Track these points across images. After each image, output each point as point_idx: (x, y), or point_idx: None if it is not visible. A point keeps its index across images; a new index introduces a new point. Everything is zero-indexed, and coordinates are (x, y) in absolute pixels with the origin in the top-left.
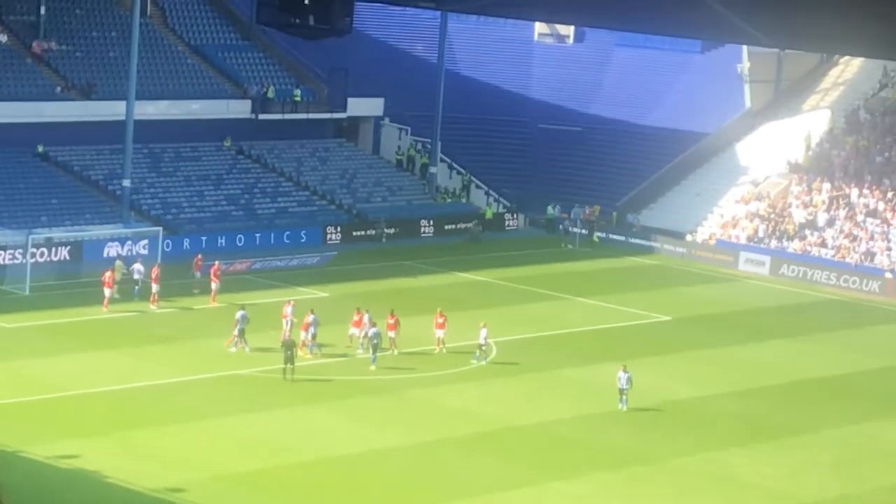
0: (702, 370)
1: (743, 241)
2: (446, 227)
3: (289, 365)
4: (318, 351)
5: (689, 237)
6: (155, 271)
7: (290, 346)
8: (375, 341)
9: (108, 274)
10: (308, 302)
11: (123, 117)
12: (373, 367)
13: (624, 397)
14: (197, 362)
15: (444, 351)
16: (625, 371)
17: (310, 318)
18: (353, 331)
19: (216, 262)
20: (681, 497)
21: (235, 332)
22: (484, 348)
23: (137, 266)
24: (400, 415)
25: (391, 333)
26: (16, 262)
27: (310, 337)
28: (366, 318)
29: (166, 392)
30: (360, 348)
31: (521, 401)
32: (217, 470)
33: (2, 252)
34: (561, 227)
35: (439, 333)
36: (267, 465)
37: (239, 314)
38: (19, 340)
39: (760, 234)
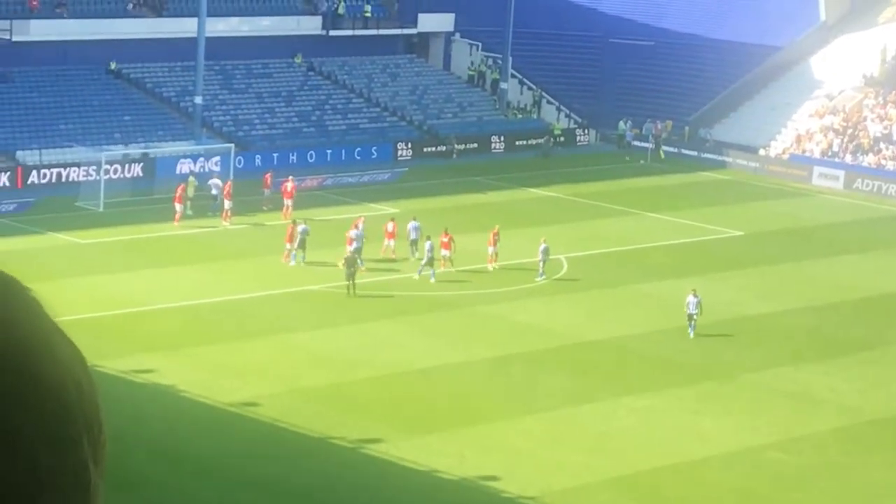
0: (774, 285)
1: (817, 155)
2: (517, 142)
3: (350, 282)
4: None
5: (762, 152)
6: (227, 187)
7: (350, 263)
8: (430, 254)
9: (179, 189)
10: (379, 218)
11: (195, 34)
12: (432, 281)
13: (692, 323)
14: (270, 278)
15: (496, 267)
16: (694, 296)
17: (352, 232)
18: (388, 242)
19: (290, 178)
20: (751, 412)
21: (295, 244)
22: (542, 263)
23: (214, 181)
24: (469, 330)
25: (446, 252)
26: (90, 178)
27: (351, 250)
28: (412, 225)
29: (240, 307)
30: (418, 259)
31: (590, 316)
32: (291, 384)
33: (76, 169)
34: (625, 141)
35: (491, 250)
36: (340, 379)
37: (300, 227)
38: (94, 256)
39: (835, 148)
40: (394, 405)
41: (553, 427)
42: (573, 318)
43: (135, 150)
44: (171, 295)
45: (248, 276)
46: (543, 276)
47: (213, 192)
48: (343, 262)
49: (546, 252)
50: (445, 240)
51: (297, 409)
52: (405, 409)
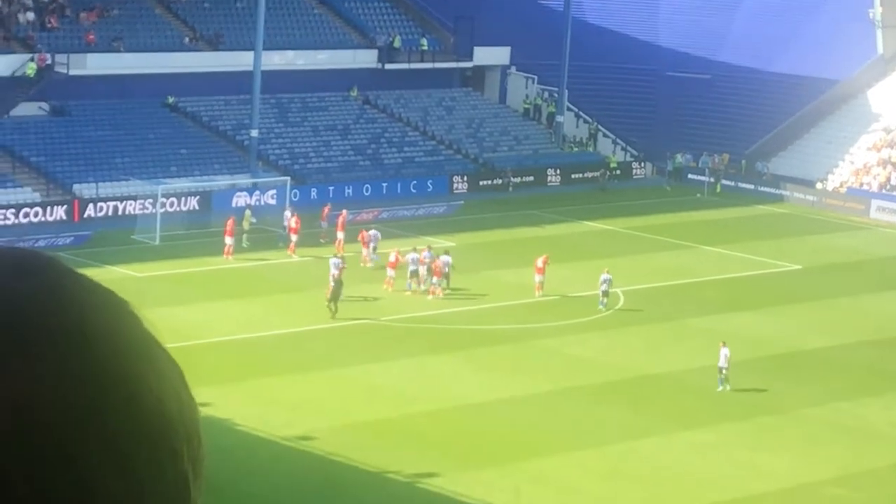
0: (832, 319)
1: (875, 188)
2: (573, 175)
3: (333, 303)
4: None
5: (819, 185)
6: (295, 221)
7: (339, 285)
8: (447, 270)
9: (229, 223)
10: (436, 251)
11: (251, 68)
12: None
13: (721, 376)
14: (324, 311)
15: (540, 295)
16: (724, 346)
17: (409, 256)
18: (390, 272)
19: (343, 211)
20: (810, 446)
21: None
22: (602, 294)
23: (286, 213)
24: (525, 364)
25: (436, 279)
26: (146, 211)
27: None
28: (411, 257)
29: (294, 341)
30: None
31: (647, 350)
32: (346, 418)
33: (132, 202)
34: (678, 173)
35: (538, 278)
36: (395, 413)
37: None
38: (149, 289)
39: (893, 182)
40: (449, 439)
41: (609, 461)
42: (630, 352)
43: (191, 184)
44: (226, 328)
45: (304, 309)
46: (604, 306)
47: (285, 223)
48: (333, 282)
49: (609, 283)
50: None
51: (351, 443)
52: (460, 443)
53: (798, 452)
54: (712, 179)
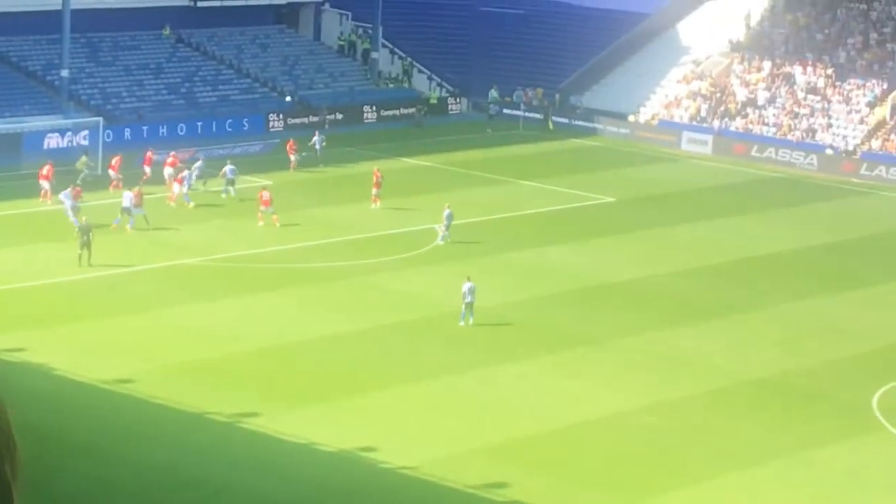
0: (646, 250)
1: (685, 120)
2: (389, 112)
3: (85, 251)
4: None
5: (631, 118)
6: (117, 161)
7: (85, 231)
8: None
9: (46, 168)
10: (254, 188)
11: (60, 6)
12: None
13: (464, 310)
14: (144, 253)
15: (376, 207)
16: (468, 280)
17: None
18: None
19: (148, 151)
20: (625, 375)
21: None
22: (444, 227)
23: (199, 164)
24: (347, 301)
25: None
26: None
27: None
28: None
29: (114, 283)
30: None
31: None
32: (165, 360)
33: None
34: (490, 112)
35: (375, 191)
36: (216, 354)
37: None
38: None
39: (703, 114)
40: (270, 378)
41: (431, 395)
42: (451, 287)
43: (0, 125)
44: (43, 272)
45: (124, 251)
46: (447, 238)
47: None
48: (78, 229)
49: (450, 217)
50: (170, 159)
51: (171, 385)
52: (283, 382)
53: (613, 382)
54: (528, 115)
